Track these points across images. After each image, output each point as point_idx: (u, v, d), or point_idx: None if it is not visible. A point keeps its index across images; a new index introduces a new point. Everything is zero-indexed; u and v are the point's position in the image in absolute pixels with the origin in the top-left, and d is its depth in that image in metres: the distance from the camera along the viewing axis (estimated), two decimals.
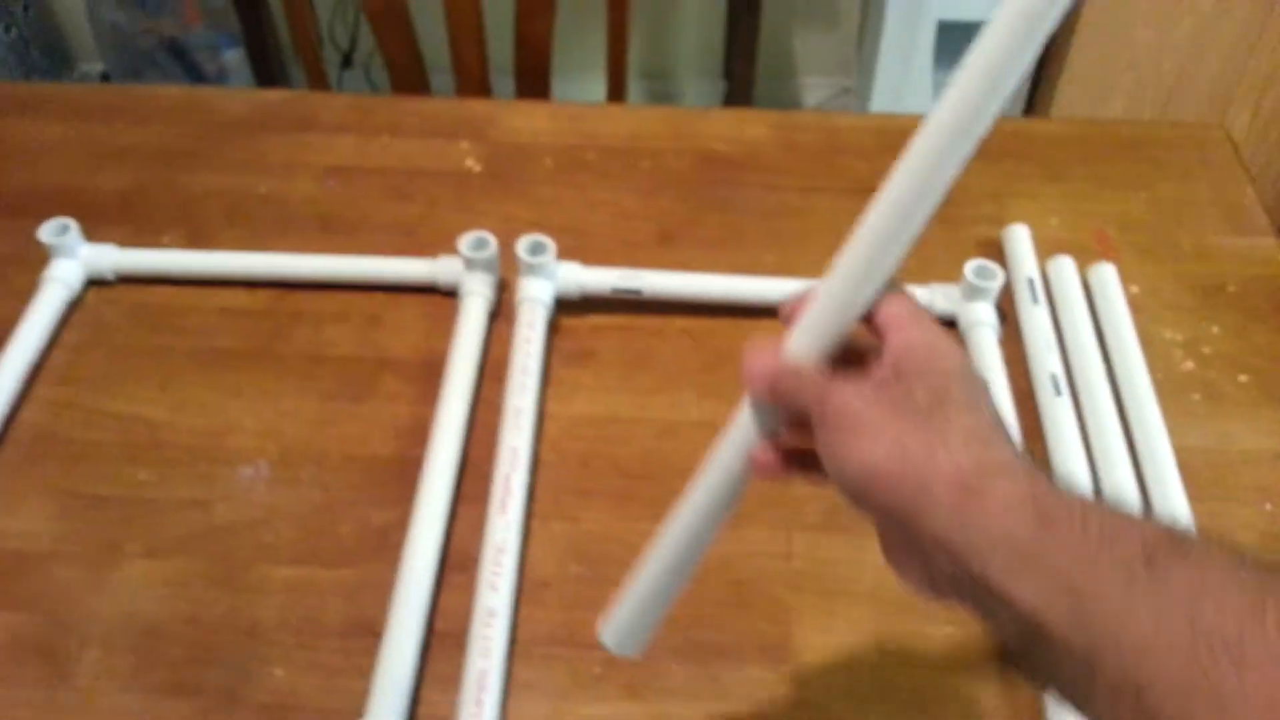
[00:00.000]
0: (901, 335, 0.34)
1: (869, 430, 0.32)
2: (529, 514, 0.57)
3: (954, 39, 1.60)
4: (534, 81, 1.13)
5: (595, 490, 0.59)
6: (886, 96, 1.68)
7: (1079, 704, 0.28)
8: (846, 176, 0.77)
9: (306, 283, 0.69)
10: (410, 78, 1.11)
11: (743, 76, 1.62)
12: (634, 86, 1.67)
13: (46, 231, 0.67)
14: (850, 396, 0.33)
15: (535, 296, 0.65)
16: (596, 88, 1.53)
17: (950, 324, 0.66)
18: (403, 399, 0.63)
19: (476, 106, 0.85)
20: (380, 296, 0.69)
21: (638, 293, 0.66)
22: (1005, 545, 0.29)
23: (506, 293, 0.68)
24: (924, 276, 0.68)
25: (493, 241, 0.66)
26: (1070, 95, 1.46)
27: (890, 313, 0.35)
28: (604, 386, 0.64)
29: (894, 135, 0.81)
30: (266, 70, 1.61)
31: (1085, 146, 0.80)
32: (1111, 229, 0.73)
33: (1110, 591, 0.27)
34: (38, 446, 0.61)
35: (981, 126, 0.32)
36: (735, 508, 0.39)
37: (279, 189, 0.76)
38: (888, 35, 1.60)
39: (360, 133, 0.81)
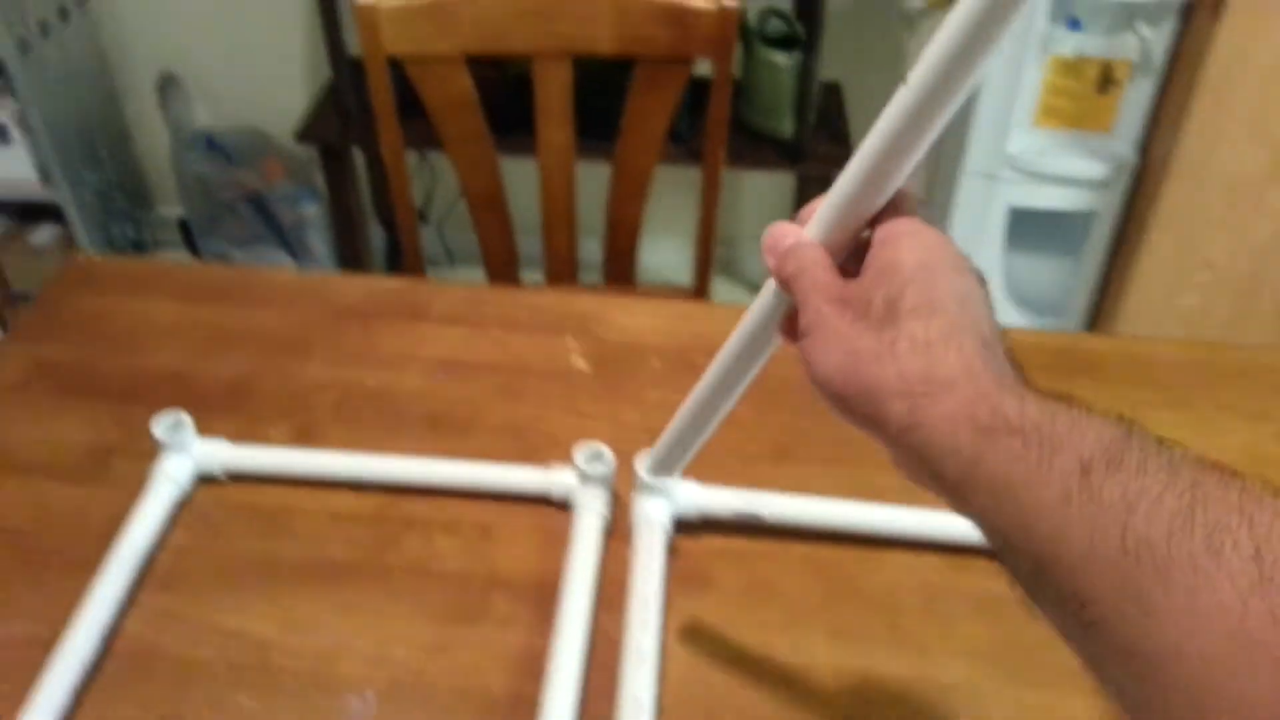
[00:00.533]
0: (887, 248, 0.35)
1: (830, 338, 0.34)
2: None
3: (1025, 224, 1.61)
4: (622, 258, 1.15)
5: None
6: None
7: (1046, 611, 0.28)
8: None
9: (418, 488, 0.68)
10: (503, 256, 1.13)
11: None
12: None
13: (160, 427, 0.67)
14: (823, 302, 0.35)
15: (654, 519, 0.63)
16: (670, 250, 1.54)
17: None
18: (516, 623, 0.61)
19: (583, 301, 0.85)
20: (492, 505, 0.67)
21: (758, 518, 0.64)
22: (953, 457, 0.30)
23: (620, 507, 0.66)
24: None
25: (609, 456, 0.65)
26: (1144, 290, 1.46)
27: (888, 228, 0.36)
28: (726, 619, 0.61)
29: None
30: (348, 220, 1.66)
31: (1203, 372, 0.78)
32: (1241, 463, 0.71)
33: (1048, 506, 0.27)
34: (141, 663, 0.59)
35: (997, 31, 0.31)
36: (763, 361, 0.44)
37: (389, 382, 0.76)
38: (958, 215, 1.62)
39: (471, 325, 0.81)
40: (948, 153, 1.74)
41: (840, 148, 1.56)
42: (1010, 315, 1.73)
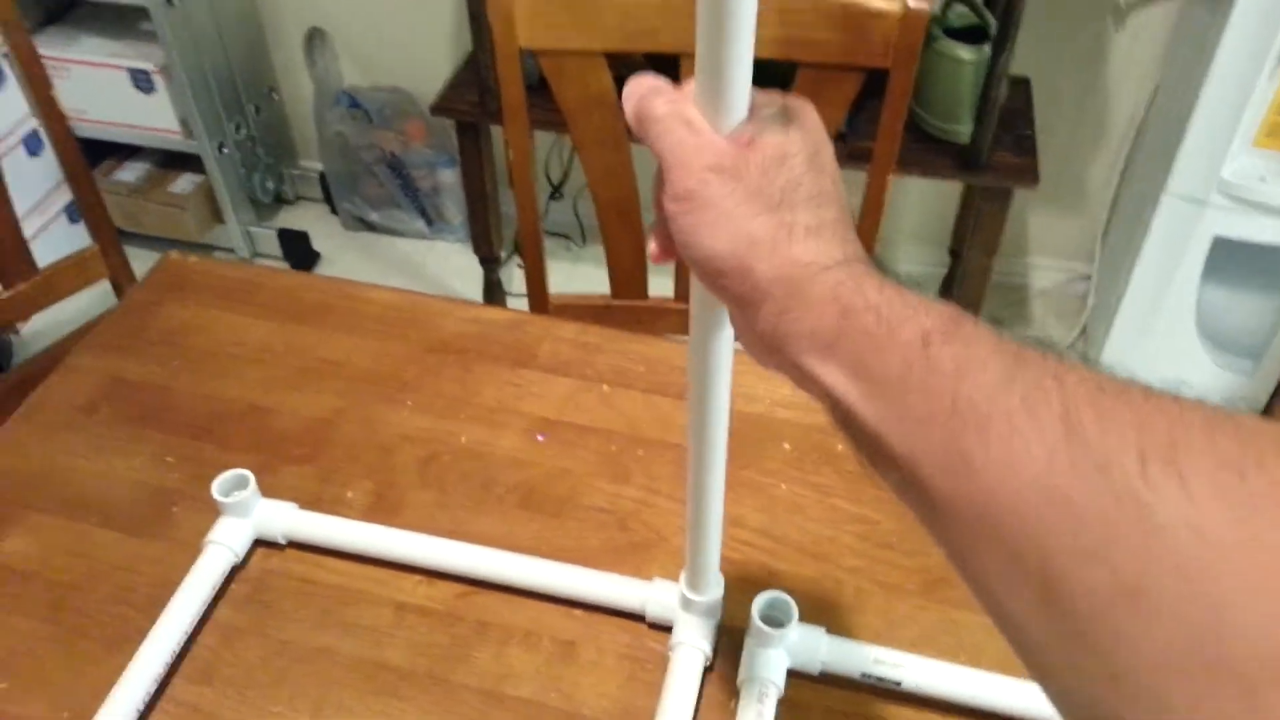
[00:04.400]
0: (774, 133, 0.34)
1: (719, 218, 0.33)
2: None
3: (1230, 255, 1.40)
4: None
5: None
6: (1139, 299, 1.48)
7: (883, 476, 0.30)
8: None
9: (498, 584, 0.59)
10: (631, 274, 1.02)
11: (977, 265, 1.47)
12: None
13: (220, 487, 0.59)
14: (707, 169, 0.33)
15: (768, 677, 0.52)
16: None
17: None
18: None
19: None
20: (579, 616, 0.58)
21: (897, 685, 0.52)
22: (814, 337, 0.31)
23: (725, 637, 0.55)
24: None
25: (720, 580, 0.54)
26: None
27: (769, 112, 0.35)
28: None
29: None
30: (480, 192, 1.58)
31: None
32: None
33: (892, 375, 0.29)
34: None
35: None
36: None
37: (483, 440, 0.67)
38: (1152, 239, 1.42)
39: (580, 375, 0.71)
40: (1146, 165, 1.52)
41: (1025, 157, 1.37)
42: (1200, 353, 1.51)
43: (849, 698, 0.54)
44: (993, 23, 1.32)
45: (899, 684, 0.52)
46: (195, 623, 0.56)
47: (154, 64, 1.60)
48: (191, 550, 0.60)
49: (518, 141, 0.94)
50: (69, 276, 1.09)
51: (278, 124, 1.91)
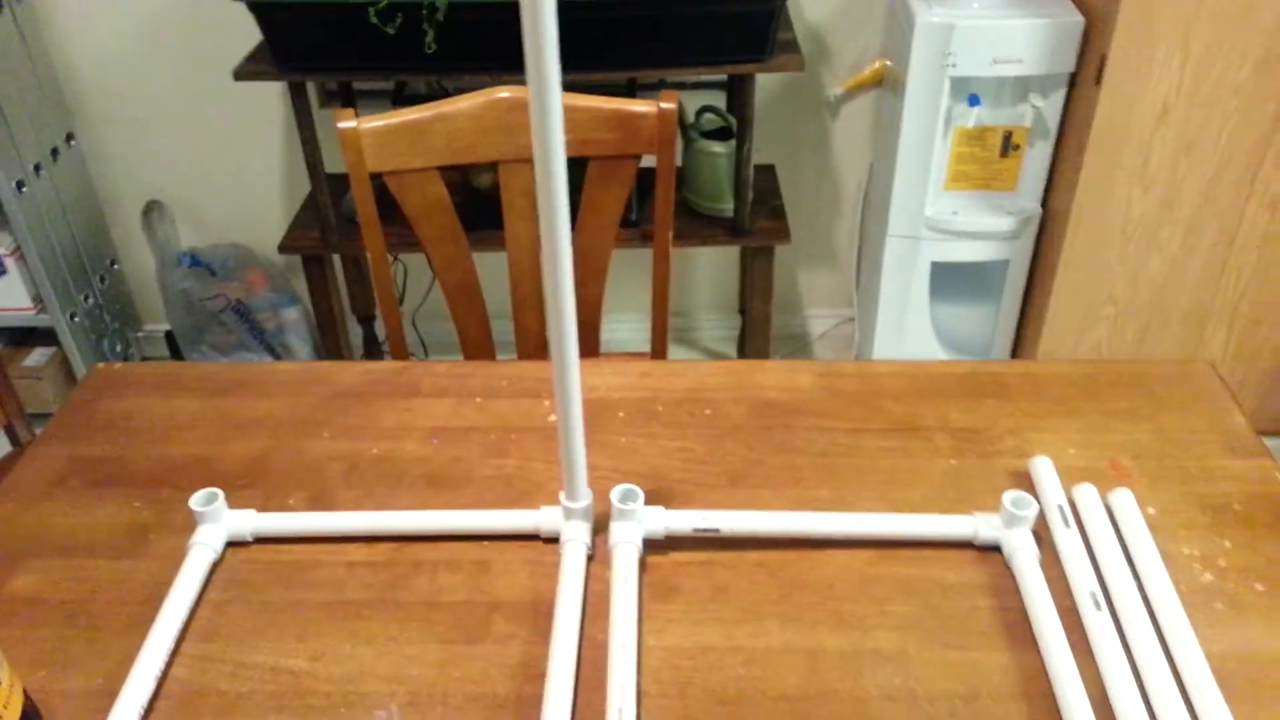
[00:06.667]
0: None
1: None
2: None
3: (946, 275, 1.76)
4: (586, 332, 1.27)
5: (695, 717, 0.66)
6: (888, 325, 1.83)
7: None
8: (885, 417, 0.88)
9: (422, 536, 0.78)
10: (478, 340, 1.25)
11: (759, 314, 1.78)
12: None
13: (196, 501, 0.77)
14: None
15: (628, 540, 0.74)
16: (630, 326, 1.64)
17: (995, 549, 0.75)
18: (515, 639, 0.71)
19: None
20: (487, 544, 0.78)
21: (716, 531, 0.75)
22: None
23: (600, 535, 0.77)
24: (967, 505, 0.77)
25: (586, 492, 0.76)
26: (1057, 326, 1.60)
27: None
28: (692, 619, 0.72)
29: (924, 379, 0.93)
30: (330, 316, 1.77)
31: (1092, 384, 0.91)
32: (1124, 458, 0.83)
33: None
34: (190, 701, 0.68)
35: None
36: None
37: (390, 450, 0.87)
38: (887, 273, 1.77)
39: (457, 395, 0.92)
40: (874, 219, 1.90)
41: (777, 221, 1.71)
42: (939, 358, 1.87)
43: (687, 552, 0.76)
44: (734, 124, 1.67)
45: (718, 530, 0.75)
46: (192, 601, 0.73)
47: (4, 248, 1.73)
48: (174, 561, 0.76)
49: (374, 245, 1.17)
50: None
51: (122, 291, 2.04)
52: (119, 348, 2.02)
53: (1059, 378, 0.93)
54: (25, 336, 1.93)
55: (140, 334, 2.12)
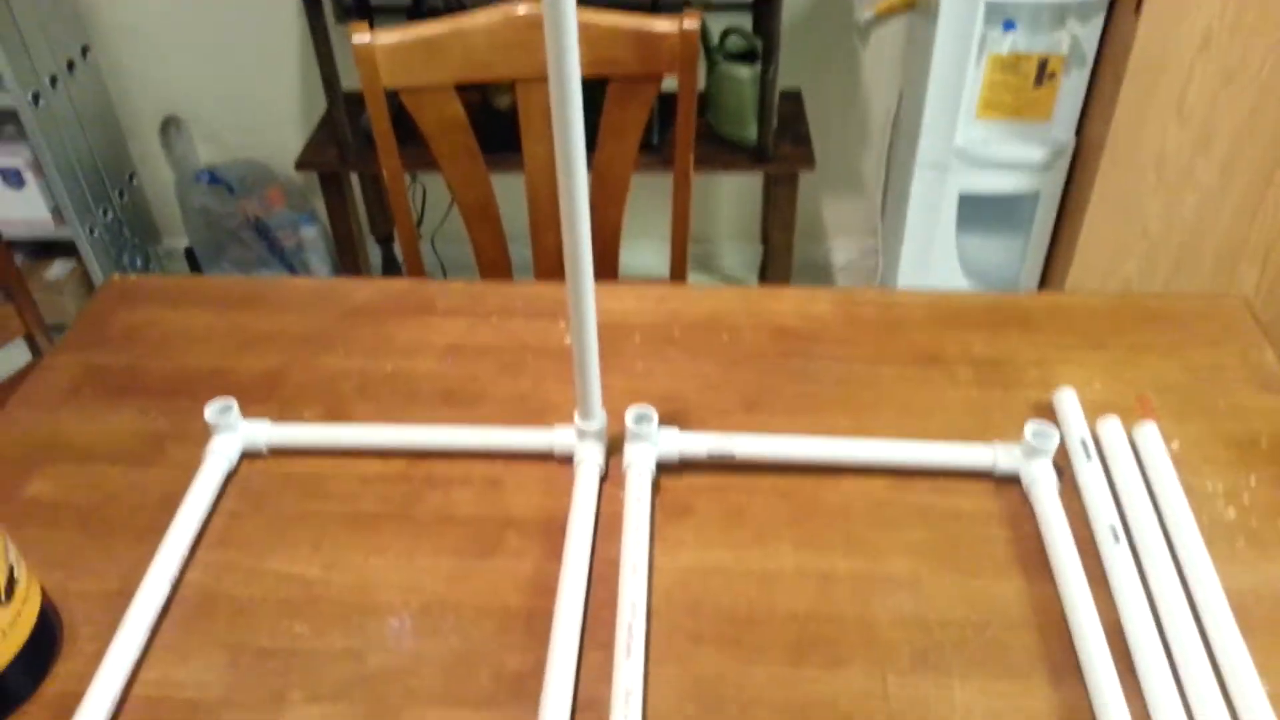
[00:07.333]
0: None
1: None
2: (645, 659, 0.64)
3: (974, 207, 1.73)
4: (605, 257, 1.25)
5: (705, 636, 0.66)
6: (913, 256, 1.80)
7: None
8: (905, 346, 0.87)
9: (436, 452, 0.78)
10: (496, 260, 1.23)
11: (780, 243, 1.76)
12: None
13: (211, 411, 0.77)
14: None
15: (642, 462, 0.73)
16: (650, 252, 1.62)
17: (1014, 480, 0.74)
18: (528, 555, 0.71)
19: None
20: (501, 462, 0.78)
21: (731, 456, 0.75)
22: None
23: (614, 456, 0.77)
24: (987, 436, 0.76)
25: (601, 413, 0.75)
26: (1086, 261, 1.57)
27: None
28: (705, 541, 0.72)
29: (944, 309, 0.91)
30: (348, 236, 1.76)
31: (1120, 317, 0.89)
32: (1150, 391, 0.82)
33: None
34: (204, 604, 0.68)
35: None
36: None
37: (404, 367, 0.86)
38: (914, 202, 1.74)
39: (473, 315, 0.91)
40: (902, 147, 1.85)
41: (802, 147, 1.67)
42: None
43: (701, 475, 0.76)
44: (760, 46, 1.62)
45: (733, 455, 0.75)
46: (207, 509, 0.73)
47: (21, 160, 1.72)
48: (189, 470, 0.76)
49: (390, 163, 1.15)
50: None
51: (142, 206, 2.04)
52: (139, 262, 2.02)
53: (1086, 310, 0.90)
54: (46, 250, 1.93)
55: (160, 249, 2.12)
